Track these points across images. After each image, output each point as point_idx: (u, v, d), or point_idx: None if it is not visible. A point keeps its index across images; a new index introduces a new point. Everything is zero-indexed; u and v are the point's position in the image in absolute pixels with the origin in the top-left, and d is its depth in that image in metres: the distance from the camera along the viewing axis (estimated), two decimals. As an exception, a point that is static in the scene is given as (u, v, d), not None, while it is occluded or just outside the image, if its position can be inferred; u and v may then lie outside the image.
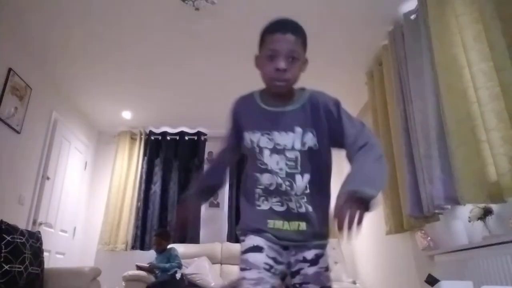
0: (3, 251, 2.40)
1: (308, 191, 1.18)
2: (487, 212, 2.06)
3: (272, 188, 1.19)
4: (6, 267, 2.38)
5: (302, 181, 1.18)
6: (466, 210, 2.21)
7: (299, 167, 1.18)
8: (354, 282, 3.86)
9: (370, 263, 4.01)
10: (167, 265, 3.56)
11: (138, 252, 4.49)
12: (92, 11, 2.92)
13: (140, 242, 4.55)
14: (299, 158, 1.18)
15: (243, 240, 1.18)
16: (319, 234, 1.20)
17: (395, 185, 2.95)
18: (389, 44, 3.04)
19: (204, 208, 4.85)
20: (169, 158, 5.00)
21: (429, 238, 2.66)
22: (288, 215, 1.17)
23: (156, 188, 4.85)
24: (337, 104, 1.24)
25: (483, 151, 1.98)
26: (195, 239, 4.58)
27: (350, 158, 1.16)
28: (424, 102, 2.51)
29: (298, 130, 1.18)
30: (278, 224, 1.17)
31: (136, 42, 3.29)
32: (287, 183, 1.17)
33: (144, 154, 4.99)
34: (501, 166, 1.79)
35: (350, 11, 2.90)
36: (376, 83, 3.38)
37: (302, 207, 1.17)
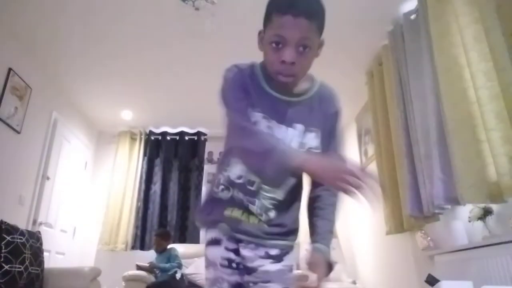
0: (3, 251, 2.40)
1: (284, 197, 1.03)
2: (487, 212, 2.06)
3: (243, 181, 1.01)
4: (6, 267, 2.38)
5: (287, 186, 1.03)
6: (466, 210, 2.21)
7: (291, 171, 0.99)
8: (354, 282, 3.86)
9: (370, 263, 4.01)
10: (167, 265, 3.56)
11: (138, 252, 4.49)
12: (92, 11, 2.92)
13: (140, 242, 4.55)
14: None
15: (206, 233, 1.06)
16: (286, 232, 1.06)
17: (395, 185, 2.95)
18: (389, 44, 3.04)
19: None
20: (169, 158, 5.00)
21: (429, 238, 2.66)
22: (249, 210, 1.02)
23: (156, 188, 4.85)
24: (339, 115, 1.11)
25: (483, 151, 1.98)
26: (195, 239, 4.58)
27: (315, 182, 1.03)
28: (424, 102, 2.51)
29: (299, 127, 1.02)
30: (236, 213, 1.02)
31: (136, 42, 3.29)
32: (269, 183, 1.01)
33: (144, 154, 4.99)
34: (501, 166, 1.79)
35: (350, 11, 2.90)
36: (376, 83, 3.38)
37: (270, 211, 1.02)
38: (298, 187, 1.08)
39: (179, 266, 3.64)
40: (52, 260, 3.68)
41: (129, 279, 3.41)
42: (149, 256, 4.06)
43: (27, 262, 2.54)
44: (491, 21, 1.88)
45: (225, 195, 1.03)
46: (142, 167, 4.92)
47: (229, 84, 1.08)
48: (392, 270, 3.43)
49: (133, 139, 5.05)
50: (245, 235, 1.01)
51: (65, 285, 2.76)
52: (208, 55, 3.48)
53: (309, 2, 0.94)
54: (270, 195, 1.02)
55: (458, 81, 2.16)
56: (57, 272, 2.85)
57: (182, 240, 4.57)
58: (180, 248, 3.97)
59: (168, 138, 5.10)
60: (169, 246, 3.83)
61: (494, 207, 2.05)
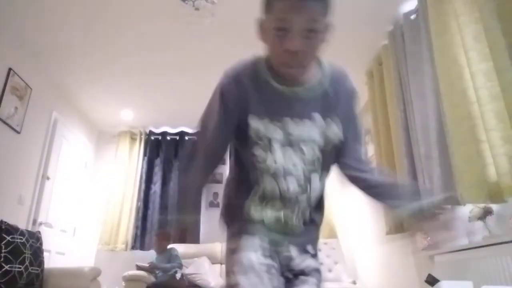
0: (3, 251, 2.40)
1: (318, 196, 0.99)
2: (487, 212, 2.06)
3: (274, 194, 0.94)
4: (6, 267, 2.38)
5: (318, 184, 0.97)
6: (466, 210, 2.21)
7: (318, 167, 0.95)
8: (354, 282, 3.86)
9: (370, 263, 4.01)
10: (167, 265, 3.56)
11: (138, 252, 4.49)
12: (92, 11, 2.92)
13: (140, 242, 4.56)
14: (320, 159, 0.95)
15: (231, 239, 1.00)
16: (314, 241, 1.05)
17: (395, 185, 2.95)
18: (389, 44, 3.04)
19: (204, 208, 4.85)
20: (169, 158, 5.00)
21: (429, 238, 2.66)
22: (285, 230, 0.97)
23: (156, 188, 4.85)
24: (355, 94, 1.02)
25: (483, 151, 1.98)
26: (195, 239, 4.58)
27: (351, 168, 1.01)
28: (424, 102, 2.51)
29: (318, 118, 0.94)
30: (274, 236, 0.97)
31: (136, 42, 3.29)
32: (300, 189, 0.94)
33: (144, 154, 4.99)
34: (501, 166, 1.79)
35: (350, 11, 2.89)
36: (376, 83, 3.38)
37: (305, 218, 0.98)
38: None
39: (180, 266, 3.64)
40: (52, 260, 3.67)
41: (129, 279, 3.41)
42: (149, 256, 4.06)
43: (27, 262, 2.54)
44: (491, 21, 1.87)
45: (258, 215, 1.00)
46: (142, 167, 4.92)
47: (212, 98, 0.97)
48: (392, 270, 3.43)
49: (133, 139, 5.05)
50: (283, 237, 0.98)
51: (65, 285, 2.76)
52: (208, 55, 3.48)
53: None
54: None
55: (458, 81, 2.16)
56: (57, 272, 2.85)
57: (182, 240, 4.56)
58: (180, 248, 3.97)
59: (168, 138, 5.10)
60: (169, 247, 3.83)
61: (494, 207, 2.05)
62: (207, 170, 1.01)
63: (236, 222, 1.01)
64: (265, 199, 0.96)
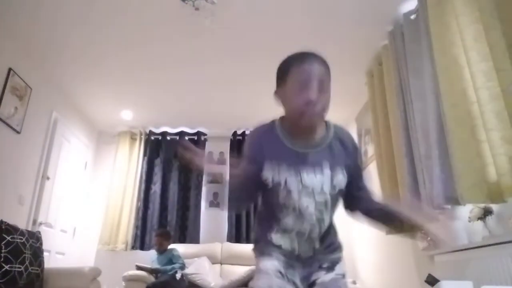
0: (3, 251, 2.40)
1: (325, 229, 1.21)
2: (487, 212, 2.06)
3: (293, 230, 1.17)
4: (6, 267, 2.38)
5: (327, 223, 1.19)
6: (466, 210, 2.21)
7: (328, 210, 1.17)
8: (354, 282, 3.86)
9: (370, 263, 4.01)
10: (168, 267, 3.56)
11: (138, 252, 4.49)
12: (92, 12, 2.92)
13: (140, 242, 4.56)
14: (329, 201, 1.15)
15: (258, 260, 1.20)
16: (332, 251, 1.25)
17: (395, 185, 2.95)
18: (389, 44, 3.04)
19: (204, 208, 4.85)
20: (169, 158, 5.00)
21: (429, 238, 2.66)
22: (300, 256, 1.19)
23: (156, 188, 4.85)
24: (358, 150, 1.26)
25: (483, 151, 1.98)
26: (195, 239, 4.59)
27: (360, 207, 1.24)
28: (424, 102, 2.51)
29: (326, 171, 1.14)
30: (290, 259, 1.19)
31: (136, 42, 3.29)
32: (315, 228, 1.16)
33: (144, 154, 4.99)
34: (501, 166, 1.79)
35: (350, 11, 2.90)
36: (376, 83, 3.38)
37: (316, 245, 1.20)
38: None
39: (182, 266, 3.63)
40: (52, 260, 3.68)
41: (129, 279, 3.41)
42: (149, 256, 4.07)
43: (27, 262, 2.54)
44: (491, 21, 1.87)
45: (280, 242, 1.21)
46: (142, 167, 4.92)
47: (243, 148, 1.25)
48: (392, 270, 3.43)
49: (133, 139, 5.05)
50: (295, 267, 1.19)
51: (65, 285, 2.76)
52: (208, 55, 3.48)
53: (318, 54, 1.13)
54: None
55: (458, 81, 2.16)
56: (57, 272, 2.85)
57: (182, 240, 4.57)
58: (180, 248, 3.97)
59: (168, 138, 5.11)
60: (169, 247, 3.82)
61: (494, 207, 2.05)
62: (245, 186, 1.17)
63: (262, 247, 1.22)
64: (285, 231, 1.18)
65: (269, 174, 1.13)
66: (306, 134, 1.15)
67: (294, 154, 1.14)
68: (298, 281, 1.15)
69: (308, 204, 1.13)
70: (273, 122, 1.21)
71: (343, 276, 1.20)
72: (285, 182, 1.12)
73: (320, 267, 1.19)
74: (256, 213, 1.36)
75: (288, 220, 1.15)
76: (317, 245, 1.20)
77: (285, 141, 1.15)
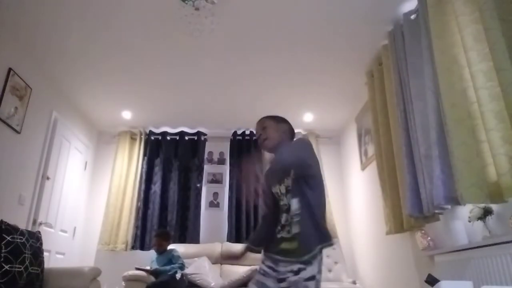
0: (3, 251, 2.40)
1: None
2: (487, 212, 2.06)
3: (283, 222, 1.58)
4: (6, 267, 2.38)
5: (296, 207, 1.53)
6: (466, 210, 2.21)
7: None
8: (354, 282, 3.86)
9: (370, 263, 4.01)
10: (167, 268, 3.56)
11: (138, 252, 4.49)
12: (92, 12, 2.92)
13: (140, 242, 4.55)
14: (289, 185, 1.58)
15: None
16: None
17: (395, 185, 2.95)
18: (389, 44, 3.04)
19: (204, 208, 4.85)
20: (169, 158, 5.00)
21: (429, 238, 2.66)
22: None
23: (156, 188, 4.85)
24: (296, 140, 1.81)
25: (483, 151, 1.98)
26: (195, 239, 4.58)
27: None
28: (424, 102, 2.51)
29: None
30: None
31: (136, 42, 3.29)
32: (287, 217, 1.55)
33: (144, 154, 4.99)
34: (501, 166, 1.79)
35: (350, 11, 2.90)
36: (376, 83, 3.38)
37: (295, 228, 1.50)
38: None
39: (182, 267, 3.63)
40: (52, 260, 3.68)
41: (129, 279, 3.41)
42: (149, 256, 4.06)
43: (27, 262, 2.54)
44: (491, 21, 1.87)
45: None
46: (142, 167, 4.92)
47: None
48: (392, 270, 3.43)
49: (133, 139, 5.05)
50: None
51: (65, 285, 2.76)
52: (208, 56, 3.49)
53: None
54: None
55: (458, 81, 2.16)
56: (57, 272, 2.85)
57: (182, 240, 4.56)
58: (180, 248, 3.97)
59: (168, 138, 5.10)
60: (169, 247, 3.82)
61: (494, 207, 2.05)
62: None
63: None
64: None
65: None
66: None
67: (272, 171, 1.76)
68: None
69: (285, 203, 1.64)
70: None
71: (307, 279, 1.44)
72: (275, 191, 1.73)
73: (291, 271, 1.52)
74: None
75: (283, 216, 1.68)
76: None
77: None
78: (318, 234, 1.47)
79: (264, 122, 1.76)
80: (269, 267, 1.55)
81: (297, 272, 1.43)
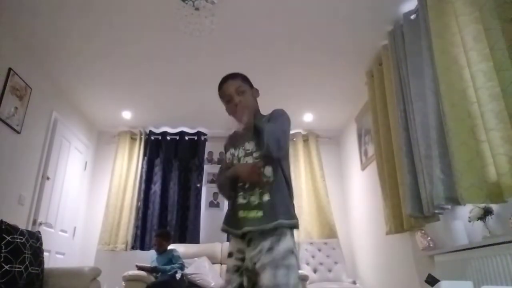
0: (3, 251, 2.40)
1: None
2: (487, 212, 2.06)
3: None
4: (6, 267, 2.38)
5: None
6: (466, 210, 2.21)
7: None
8: (354, 282, 3.86)
9: (370, 263, 4.01)
10: (167, 267, 3.56)
11: (138, 252, 4.49)
12: (91, 11, 2.92)
13: (140, 242, 4.55)
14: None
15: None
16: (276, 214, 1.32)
17: (395, 185, 2.95)
18: (389, 44, 3.04)
19: (204, 208, 4.85)
20: (169, 158, 5.00)
21: (429, 238, 2.66)
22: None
23: (156, 188, 4.85)
24: (274, 112, 1.56)
25: (483, 151, 1.98)
26: (195, 239, 4.58)
27: None
28: (424, 102, 2.51)
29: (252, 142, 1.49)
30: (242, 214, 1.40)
31: (136, 42, 3.29)
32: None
33: (144, 154, 4.99)
34: (501, 166, 1.79)
35: (350, 11, 2.90)
36: (376, 83, 3.38)
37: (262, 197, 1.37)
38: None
39: (182, 267, 3.63)
40: (52, 260, 3.68)
41: (129, 279, 3.41)
42: (149, 256, 4.06)
43: (27, 262, 2.54)
44: (491, 21, 1.87)
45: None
46: (142, 167, 4.92)
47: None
48: (392, 270, 3.43)
49: (133, 139, 5.05)
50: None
51: (65, 285, 2.75)
52: (208, 56, 3.49)
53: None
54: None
55: (458, 81, 2.16)
56: (57, 272, 2.85)
57: (182, 240, 4.56)
58: (180, 248, 3.97)
59: (168, 138, 5.10)
60: (169, 247, 3.82)
61: (494, 207, 2.05)
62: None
63: None
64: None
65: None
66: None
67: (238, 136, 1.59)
68: None
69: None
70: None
71: (285, 253, 1.32)
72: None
73: (261, 251, 1.39)
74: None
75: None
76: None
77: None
78: (291, 208, 1.36)
79: (241, 84, 1.43)
80: (239, 251, 1.38)
81: (270, 249, 1.26)
